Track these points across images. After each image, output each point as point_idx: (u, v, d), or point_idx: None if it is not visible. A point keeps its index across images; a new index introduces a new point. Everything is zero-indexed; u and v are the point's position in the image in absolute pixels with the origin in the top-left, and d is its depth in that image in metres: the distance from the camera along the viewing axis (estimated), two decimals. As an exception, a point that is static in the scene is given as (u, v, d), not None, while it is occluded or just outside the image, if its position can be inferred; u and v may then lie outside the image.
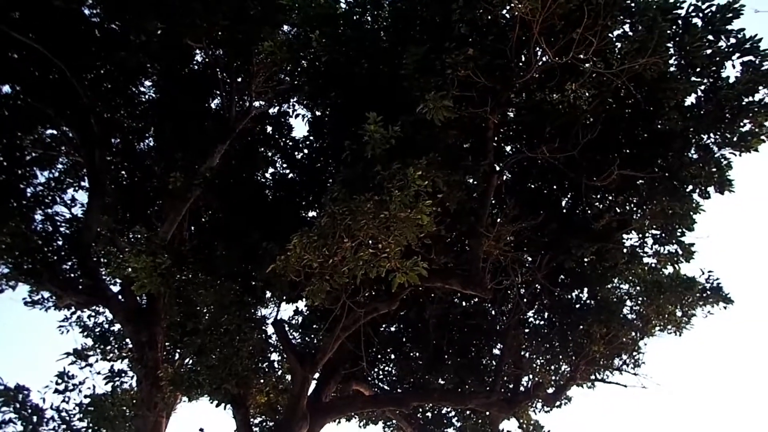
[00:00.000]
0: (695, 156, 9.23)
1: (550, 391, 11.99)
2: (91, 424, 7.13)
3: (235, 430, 11.20)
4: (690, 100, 8.95)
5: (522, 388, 11.81)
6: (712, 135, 9.13)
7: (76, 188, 12.64)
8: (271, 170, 12.58)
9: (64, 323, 12.10)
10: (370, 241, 6.84)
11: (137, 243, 11.34)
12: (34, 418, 6.83)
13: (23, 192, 11.29)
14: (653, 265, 11.17)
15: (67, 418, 7.17)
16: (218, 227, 11.61)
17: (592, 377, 12.04)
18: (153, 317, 10.71)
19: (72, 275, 11.29)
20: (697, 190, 9.66)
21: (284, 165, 12.35)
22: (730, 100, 8.41)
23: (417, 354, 12.92)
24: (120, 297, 11.14)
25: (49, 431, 7.00)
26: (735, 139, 8.76)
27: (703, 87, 8.68)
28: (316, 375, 11.06)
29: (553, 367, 12.32)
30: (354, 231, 6.79)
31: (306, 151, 11.77)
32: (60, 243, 11.35)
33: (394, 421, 13.52)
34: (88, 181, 11.58)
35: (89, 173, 11.47)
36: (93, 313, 12.35)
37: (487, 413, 12.38)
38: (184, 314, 10.73)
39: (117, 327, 12.11)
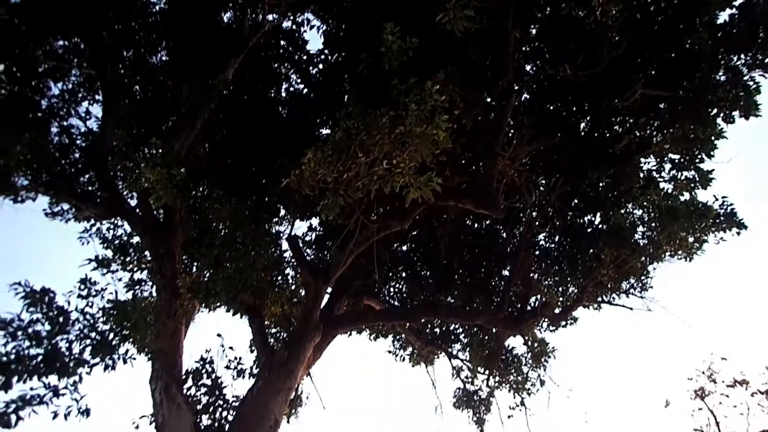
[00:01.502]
0: (723, 78, 8.92)
1: (557, 311, 12.27)
2: (114, 327, 7.46)
3: (251, 339, 11.74)
4: (723, 17, 8.55)
5: (529, 308, 12.08)
6: (742, 56, 8.78)
7: (91, 101, 12.58)
8: (285, 86, 12.36)
9: (84, 235, 12.42)
10: (385, 157, 6.80)
11: (153, 157, 11.40)
12: (60, 319, 7.14)
13: (38, 104, 11.26)
14: (669, 190, 11.09)
15: (92, 321, 7.49)
16: (233, 143, 11.61)
17: (599, 299, 12.27)
18: (170, 230, 10.94)
19: (90, 188, 11.46)
20: (722, 114, 9.41)
21: (298, 80, 12.13)
22: (766, 17, 8.01)
23: (427, 273, 13.19)
24: (137, 210, 11.35)
25: (75, 332, 7.32)
26: (767, 60, 8.42)
27: (737, 2, 8.25)
28: (329, 289, 11.40)
29: (560, 289, 12.54)
30: (369, 146, 6.74)
31: (320, 66, 11.52)
32: (77, 156, 11.44)
33: (402, 336, 14.03)
34: (102, 94, 11.51)
35: (102, 86, 11.39)
36: (112, 226, 12.61)
37: (494, 330, 12.77)
38: (200, 229, 10.95)
39: (136, 239, 12.40)
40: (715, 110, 9.12)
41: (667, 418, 13.43)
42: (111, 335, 7.43)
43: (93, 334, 7.37)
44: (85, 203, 11.01)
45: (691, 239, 11.07)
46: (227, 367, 9.61)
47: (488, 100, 9.12)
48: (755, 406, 12.63)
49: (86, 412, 7.13)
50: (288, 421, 14.02)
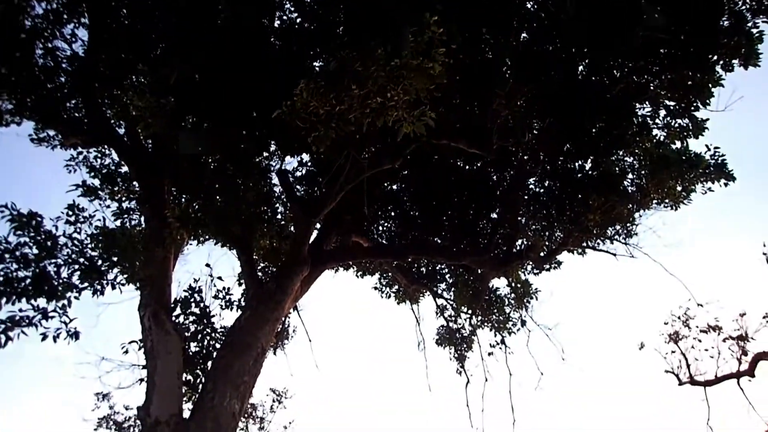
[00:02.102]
0: (726, 23, 8.74)
1: (542, 254, 12.46)
2: (102, 253, 7.46)
3: (239, 273, 11.86)
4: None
5: (515, 250, 12.25)
6: (747, 1, 8.58)
7: (77, 24, 12.13)
8: (278, 14, 11.94)
9: (71, 163, 12.24)
10: (379, 90, 6.67)
11: (141, 84, 11.12)
12: (48, 244, 7.13)
13: (21, 24, 10.82)
14: (662, 138, 11.07)
15: (80, 246, 7.48)
16: (224, 74, 11.33)
17: (584, 244, 12.45)
18: (159, 160, 10.81)
19: (76, 114, 11.21)
20: (721, 62, 9.29)
21: (292, 9, 11.72)
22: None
23: (416, 213, 13.27)
24: (125, 139, 11.17)
25: (62, 257, 7.32)
26: (773, 6, 8.24)
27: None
28: (318, 225, 11.45)
29: (547, 233, 12.68)
30: (363, 78, 6.60)
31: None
32: (62, 80, 11.12)
33: (389, 274, 14.25)
34: (88, 17, 11.08)
35: (89, 8, 10.95)
36: (99, 154, 12.44)
37: (479, 271, 13.00)
38: (189, 161, 10.83)
39: (124, 169, 12.26)
40: (715, 57, 9.00)
41: (641, 359, 13.93)
42: (99, 261, 7.44)
43: (81, 260, 7.38)
44: (71, 129, 10.80)
45: (679, 188, 11.15)
46: (215, 297, 9.74)
47: (487, 37, 8.89)
48: (726, 350, 13.13)
49: (75, 335, 7.23)
50: (275, 353, 14.42)
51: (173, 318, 8.72)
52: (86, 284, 7.16)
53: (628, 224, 12.23)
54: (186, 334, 8.85)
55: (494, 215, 13.13)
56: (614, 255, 12.53)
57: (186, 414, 7.67)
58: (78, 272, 7.19)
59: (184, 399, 8.08)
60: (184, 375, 8.54)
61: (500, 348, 13.56)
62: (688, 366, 13.39)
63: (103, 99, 12.19)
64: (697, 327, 13.40)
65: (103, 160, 12.47)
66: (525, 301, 12.91)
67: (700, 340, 13.40)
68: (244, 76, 10.08)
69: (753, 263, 13.56)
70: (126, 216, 10.41)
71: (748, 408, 12.58)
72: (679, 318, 13.55)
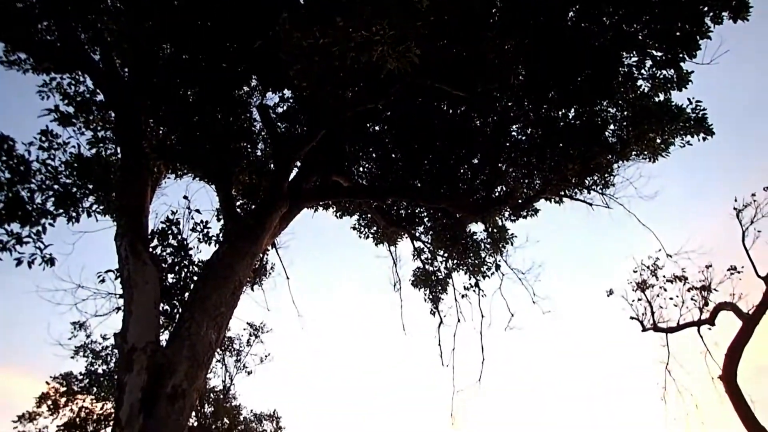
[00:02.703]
0: (719, -28, 8.62)
1: (520, 201, 12.60)
2: (77, 181, 7.35)
3: (218, 208, 11.81)
4: None
5: (494, 196, 12.36)
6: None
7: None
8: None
9: (44, 89, 11.84)
10: (364, 24, 6.50)
11: (117, 8, 10.65)
12: (21, 168, 6.99)
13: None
14: (646, 90, 11.07)
15: (54, 173, 7.35)
16: (204, 3, 10.90)
17: (562, 193, 12.61)
18: (136, 90, 10.52)
19: (49, 37, 10.75)
20: (711, 14, 9.21)
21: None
22: None
23: (398, 155, 13.22)
24: (101, 65, 10.80)
25: (36, 183, 7.20)
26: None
27: None
28: (298, 163, 11.38)
29: (526, 180, 12.78)
30: (348, 10, 6.42)
31: None
32: (34, 0, 10.59)
33: (368, 215, 14.32)
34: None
35: None
36: (73, 81, 12.03)
37: (457, 215, 13.13)
38: (167, 92, 10.55)
39: (100, 97, 11.92)
40: (705, 8, 8.91)
41: (608, 305, 14.46)
42: (74, 188, 7.34)
43: (56, 186, 7.27)
44: (43, 53, 10.38)
45: (658, 140, 11.25)
46: (193, 230, 9.72)
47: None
48: (689, 300, 13.67)
49: (50, 261, 7.21)
50: (252, 289, 14.59)
51: (150, 249, 8.71)
52: (61, 211, 7.07)
53: (606, 174, 12.38)
54: (163, 265, 8.86)
55: (475, 161, 13.14)
56: (590, 204, 12.74)
57: (163, 343, 7.80)
58: (52, 199, 7.09)
59: (161, 328, 8.19)
60: (161, 305, 8.63)
61: (474, 291, 13.90)
62: (653, 313, 13.93)
63: (77, 23, 11.69)
64: (664, 277, 13.88)
65: (77, 87, 12.07)
66: (500, 246, 13.15)
67: (665, 289, 13.91)
68: (224, 5, 9.73)
69: (724, 218, 13.91)
70: (102, 145, 10.19)
71: (705, 354, 13.22)
72: (647, 268, 13.99)
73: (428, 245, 14.43)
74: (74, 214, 7.25)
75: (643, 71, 10.50)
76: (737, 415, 11.72)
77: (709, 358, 13.40)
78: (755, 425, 11.41)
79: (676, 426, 13.43)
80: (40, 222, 7.02)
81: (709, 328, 13.41)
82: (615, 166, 12.21)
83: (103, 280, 8.89)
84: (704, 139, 11.13)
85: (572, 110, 11.89)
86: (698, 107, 10.87)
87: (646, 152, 11.58)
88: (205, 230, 9.89)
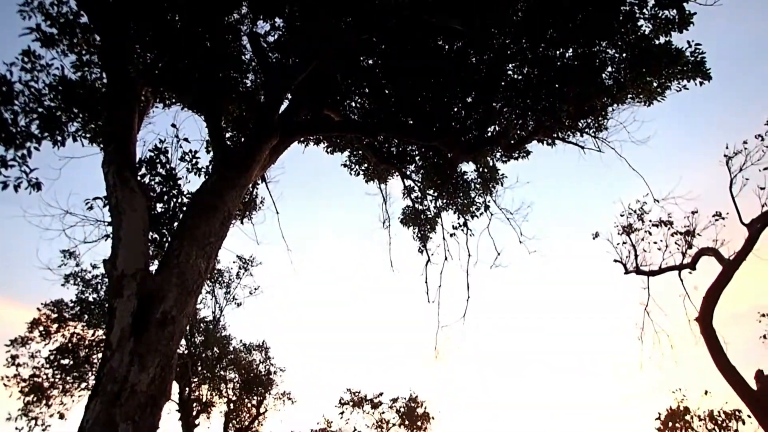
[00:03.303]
0: None
1: (512, 141, 12.53)
2: (61, 103, 7.17)
3: (207, 140, 11.65)
4: None
5: (486, 136, 12.27)
6: None
7: None
8: None
9: (25, 8, 11.36)
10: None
11: None
12: (3, 89, 6.79)
13: None
14: (647, 31, 10.83)
15: (37, 95, 7.16)
16: None
17: (555, 135, 12.54)
18: (121, 12, 10.11)
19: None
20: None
21: None
22: None
23: (391, 91, 12.98)
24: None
25: (19, 105, 7.02)
26: None
27: None
28: (289, 96, 11.16)
29: (520, 121, 12.67)
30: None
31: None
32: None
33: (359, 152, 14.22)
34: None
35: None
36: (56, 1, 11.56)
37: (449, 155, 13.06)
38: (154, 17, 10.15)
39: (84, 19, 11.48)
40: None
41: (594, 247, 14.70)
42: (58, 112, 7.17)
43: (39, 109, 7.09)
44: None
45: (655, 84, 11.12)
46: (182, 159, 9.61)
47: None
48: (673, 244, 13.92)
49: (37, 186, 7.14)
50: (242, 222, 14.63)
51: (138, 178, 8.63)
52: (46, 134, 6.94)
53: (600, 117, 12.30)
54: (151, 194, 8.81)
55: (469, 99, 12.95)
56: (582, 147, 12.72)
57: (153, 271, 7.85)
58: (36, 121, 6.94)
59: (150, 257, 8.23)
60: (151, 234, 8.64)
61: (462, 230, 14.03)
62: (636, 256, 14.20)
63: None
64: (650, 221, 14.06)
65: (60, 8, 11.60)
66: (490, 186, 13.18)
67: (650, 233, 14.13)
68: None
69: (713, 166, 13.98)
70: (87, 69, 9.89)
71: (684, 297, 13.59)
72: (634, 212, 14.15)
73: (418, 184, 14.43)
74: (59, 138, 7.13)
75: (645, 10, 10.24)
76: (710, 356, 12.18)
77: (688, 302, 13.80)
78: (727, 365, 11.88)
79: (650, 365, 13.97)
80: (25, 145, 6.90)
81: (690, 272, 13.73)
82: (609, 109, 12.12)
83: (91, 207, 8.84)
84: (701, 83, 11.03)
85: (570, 50, 11.65)
86: (697, 51, 10.71)
87: (641, 96, 11.47)
88: (194, 160, 9.79)
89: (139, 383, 6.46)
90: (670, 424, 13.38)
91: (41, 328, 17.39)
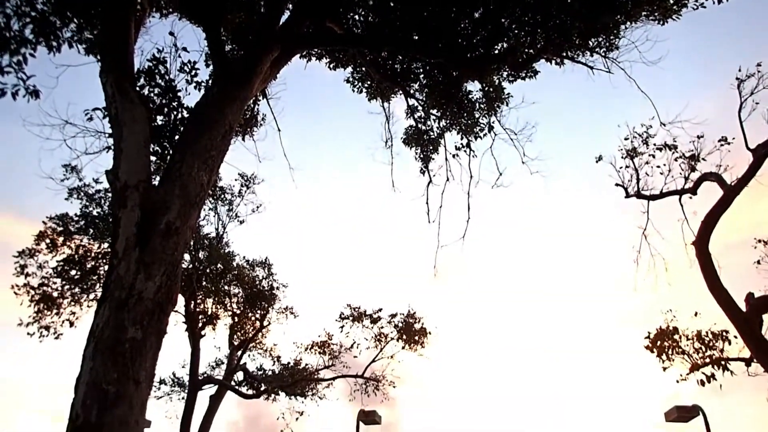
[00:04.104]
0: None
1: (520, 60, 12.19)
2: (55, 8, 6.92)
3: (206, 54, 11.35)
4: None
5: (494, 53, 11.93)
6: None
7: None
8: None
9: None
10: None
11: None
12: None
13: None
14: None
15: (30, -2, 6.89)
16: None
17: (564, 54, 12.18)
18: None
19: None
20: None
21: None
22: None
23: (396, 5, 12.48)
24: None
25: (11, 8, 6.76)
26: None
27: None
28: (290, 6, 10.75)
29: (528, 38, 12.25)
30: None
31: None
32: None
33: (363, 68, 13.88)
34: None
35: None
36: None
37: (455, 73, 12.76)
38: None
39: None
40: None
41: (597, 171, 14.66)
42: (52, 16, 6.94)
43: (33, 13, 6.86)
44: None
45: (672, 0, 10.68)
46: (181, 71, 9.41)
47: None
48: (676, 169, 13.86)
49: (35, 93, 7.03)
50: (243, 139, 14.54)
51: (138, 89, 8.48)
52: (40, 39, 6.75)
53: (611, 36, 11.90)
54: (151, 105, 8.70)
55: (477, 14, 12.48)
56: (591, 68, 12.40)
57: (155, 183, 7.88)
58: (30, 26, 6.73)
59: (153, 171, 8.24)
60: (152, 147, 8.62)
61: (465, 151, 13.95)
62: (638, 180, 14.19)
63: None
64: (655, 145, 13.93)
65: None
66: (495, 105, 12.96)
67: (654, 156, 14.04)
68: None
69: (725, 90, 13.66)
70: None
71: (683, 222, 13.72)
72: (639, 135, 13.99)
73: (422, 103, 14.19)
74: (54, 44, 6.94)
75: None
76: (704, 278, 12.45)
77: (686, 227, 13.94)
78: (718, 286, 12.16)
79: (644, 286, 14.30)
80: (20, 51, 6.73)
81: (691, 198, 13.77)
82: (622, 27, 11.70)
83: (90, 118, 8.77)
84: (719, 1, 10.57)
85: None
86: (719, -37, 10.19)
87: (656, 13, 11.04)
88: (193, 71, 9.58)
89: (146, 291, 6.64)
90: (659, 342, 13.89)
91: (48, 241, 17.69)
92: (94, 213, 18.24)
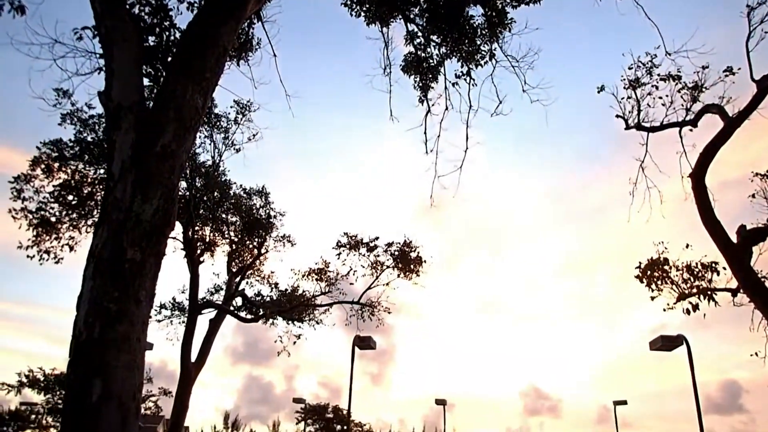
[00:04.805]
0: None
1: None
2: None
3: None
4: None
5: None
6: None
7: None
8: None
9: None
10: None
11: None
12: None
13: None
14: None
15: None
16: None
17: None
18: None
19: None
20: None
21: None
22: None
23: None
24: None
25: None
26: None
27: None
28: None
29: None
30: None
31: None
32: None
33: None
34: None
35: None
36: None
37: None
38: None
39: None
40: None
41: (598, 102, 14.41)
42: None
43: None
44: None
45: None
46: (171, -12, 9.02)
47: None
48: (678, 100, 13.65)
49: (21, 9, 6.79)
50: (237, 63, 14.18)
51: (128, 7, 8.18)
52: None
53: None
54: (142, 25, 8.40)
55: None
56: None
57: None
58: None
59: (146, 92, 8.07)
60: (145, 68, 8.41)
61: (465, 79, 13.67)
62: (639, 112, 14.01)
63: None
64: (658, 75, 13.64)
65: None
66: (498, 31, 12.57)
67: (657, 87, 13.79)
68: None
69: (735, 20, 13.21)
70: None
71: (681, 155, 13.66)
72: (644, 64, 13.67)
73: (422, 28, 13.76)
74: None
75: None
76: (698, 211, 12.54)
77: (684, 160, 13.88)
78: (712, 218, 12.26)
79: (638, 217, 14.40)
80: (3, -37, 6.43)
81: (691, 130, 13.63)
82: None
83: (80, 38, 8.49)
84: None
85: None
86: None
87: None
88: (185, -10, 9.19)
89: (143, 213, 6.67)
90: (649, 272, 14.16)
91: (43, 166, 17.59)
92: (89, 139, 18.04)
